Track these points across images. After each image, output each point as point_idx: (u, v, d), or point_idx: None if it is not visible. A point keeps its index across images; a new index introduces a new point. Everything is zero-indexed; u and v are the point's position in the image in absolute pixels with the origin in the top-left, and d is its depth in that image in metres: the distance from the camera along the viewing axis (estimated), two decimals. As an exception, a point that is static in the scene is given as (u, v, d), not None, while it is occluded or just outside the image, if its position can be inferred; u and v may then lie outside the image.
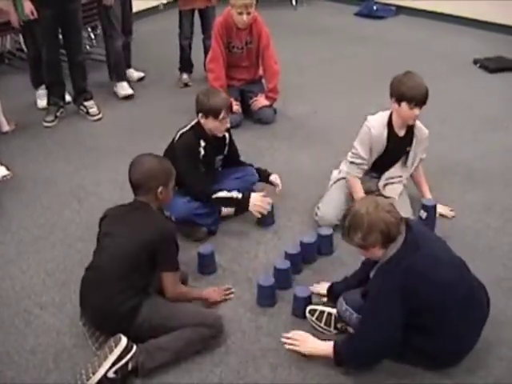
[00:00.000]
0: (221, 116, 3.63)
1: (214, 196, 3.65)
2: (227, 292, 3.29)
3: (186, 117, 3.89)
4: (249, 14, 4.80)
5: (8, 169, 4.42)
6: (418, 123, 3.73)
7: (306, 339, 2.92)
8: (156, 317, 2.86)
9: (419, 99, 3.49)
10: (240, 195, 3.68)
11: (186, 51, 5.86)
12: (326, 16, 8.03)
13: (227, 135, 3.92)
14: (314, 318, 3.05)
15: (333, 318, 3.01)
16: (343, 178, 3.85)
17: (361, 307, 2.83)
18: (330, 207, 3.76)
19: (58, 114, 5.25)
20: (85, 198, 4.18)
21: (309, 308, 3.08)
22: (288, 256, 3.44)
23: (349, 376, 2.82)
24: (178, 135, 3.74)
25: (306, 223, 3.88)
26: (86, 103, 5.30)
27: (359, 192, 3.71)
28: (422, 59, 6.52)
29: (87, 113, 5.30)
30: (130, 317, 2.83)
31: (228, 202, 3.73)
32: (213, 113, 3.62)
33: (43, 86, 5.33)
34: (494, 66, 6.25)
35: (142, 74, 6.00)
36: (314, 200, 3.98)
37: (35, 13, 4.71)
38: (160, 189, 2.96)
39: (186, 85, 5.85)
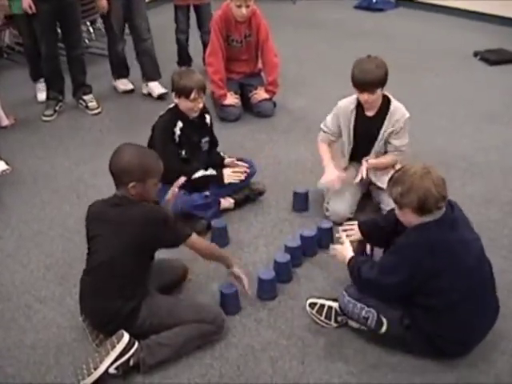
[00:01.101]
0: (192, 96, 3.62)
1: (193, 177, 3.69)
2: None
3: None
4: (248, 6, 4.79)
5: (7, 163, 4.41)
6: (396, 105, 3.68)
7: (341, 250, 3.12)
8: (157, 316, 2.85)
9: (358, 85, 3.56)
10: (214, 172, 3.77)
11: (184, 46, 5.85)
12: (325, 9, 8.02)
13: (208, 117, 3.92)
14: (314, 312, 3.05)
15: (333, 311, 3.01)
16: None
17: (364, 295, 2.85)
18: (340, 201, 3.76)
19: (57, 108, 5.25)
20: (84, 192, 4.18)
21: (309, 301, 3.08)
22: (288, 249, 3.44)
23: (349, 370, 2.83)
24: (157, 119, 3.78)
25: (306, 216, 3.88)
26: (85, 97, 5.30)
27: (325, 154, 3.89)
28: (421, 52, 6.52)
29: (86, 107, 5.29)
30: (131, 319, 2.81)
31: (205, 180, 3.75)
32: (184, 92, 3.63)
33: (42, 79, 5.33)
34: (494, 58, 6.25)
35: (163, 90, 5.48)
36: (313, 193, 3.97)
37: (33, 7, 4.70)
38: (131, 184, 2.77)
39: None
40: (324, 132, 3.92)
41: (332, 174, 3.78)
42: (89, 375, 2.67)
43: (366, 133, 3.74)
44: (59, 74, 5.18)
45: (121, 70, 5.61)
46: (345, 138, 3.83)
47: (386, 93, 3.68)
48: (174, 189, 3.29)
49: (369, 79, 3.50)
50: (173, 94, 3.72)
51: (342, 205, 3.75)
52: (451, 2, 7.62)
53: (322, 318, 3.03)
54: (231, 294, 3.12)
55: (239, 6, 4.78)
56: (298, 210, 3.92)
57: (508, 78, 5.92)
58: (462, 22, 7.40)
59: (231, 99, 5.08)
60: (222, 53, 4.99)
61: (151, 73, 5.54)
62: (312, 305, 3.07)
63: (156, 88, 5.51)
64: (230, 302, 3.14)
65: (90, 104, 5.28)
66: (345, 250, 3.10)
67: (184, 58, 5.93)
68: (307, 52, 6.58)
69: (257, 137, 4.85)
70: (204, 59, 5.41)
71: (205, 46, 5.61)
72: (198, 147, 3.87)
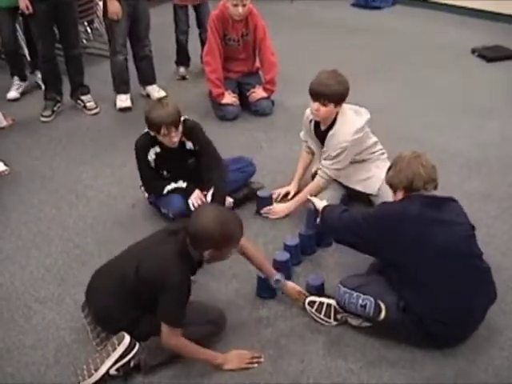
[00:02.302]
0: (162, 131, 3.49)
1: (165, 191, 3.70)
2: (253, 360, 2.87)
3: (183, 110, 3.86)
4: (244, 5, 4.78)
5: (6, 164, 4.41)
6: (338, 129, 3.61)
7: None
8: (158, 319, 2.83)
9: (312, 93, 3.57)
10: (185, 185, 3.71)
11: (184, 46, 5.85)
12: (322, 7, 8.02)
13: (189, 144, 3.73)
14: (313, 310, 3.06)
15: (332, 308, 3.02)
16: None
17: (359, 285, 2.90)
18: (322, 198, 3.73)
19: (56, 108, 5.24)
20: (83, 192, 4.18)
21: (308, 300, 3.08)
22: (287, 248, 3.44)
23: (348, 368, 2.83)
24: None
25: (305, 215, 3.87)
26: (83, 97, 5.29)
27: (299, 166, 4.04)
28: (419, 49, 6.52)
29: (84, 107, 5.29)
30: (133, 324, 2.82)
31: (177, 191, 3.72)
32: (153, 128, 3.53)
33: (16, 78, 5.45)
34: (491, 55, 6.25)
35: (162, 94, 5.36)
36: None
37: (30, 7, 4.69)
38: (208, 252, 2.70)
39: (184, 78, 5.87)
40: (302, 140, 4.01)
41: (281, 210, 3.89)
42: (89, 376, 2.68)
43: (319, 142, 3.79)
44: (57, 74, 5.17)
45: (118, 83, 5.38)
46: (312, 146, 3.90)
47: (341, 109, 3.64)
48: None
49: (324, 91, 3.51)
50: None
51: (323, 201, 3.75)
52: (448, 0, 7.63)
53: (322, 316, 3.04)
54: (284, 261, 3.28)
55: (235, 5, 4.77)
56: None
57: (505, 74, 5.92)
58: (459, 19, 7.40)
59: (229, 98, 5.09)
60: (220, 52, 4.99)
61: (148, 77, 5.50)
62: (311, 303, 3.07)
63: (154, 91, 5.46)
64: (266, 287, 3.21)
65: (88, 104, 5.28)
66: (321, 202, 3.30)
67: (183, 58, 5.93)
68: (305, 50, 6.57)
69: (255, 135, 4.85)
70: (202, 57, 5.41)
71: (203, 44, 5.61)
72: (184, 168, 3.78)
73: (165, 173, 3.75)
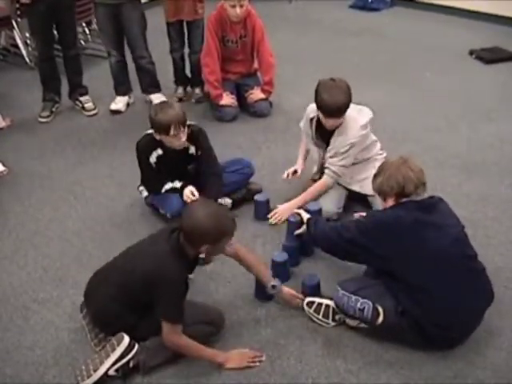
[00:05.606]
0: (171, 132, 3.46)
1: (163, 190, 3.70)
2: (255, 359, 2.88)
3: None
4: (242, 6, 4.78)
5: (4, 165, 4.41)
6: (347, 125, 3.62)
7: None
8: (157, 321, 2.79)
9: (329, 113, 3.52)
10: (179, 184, 3.69)
11: (179, 65, 5.55)
12: (320, 8, 8.03)
13: (192, 148, 3.73)
14: (311, 311, 3.06)
15: (330, 310, 3.02)
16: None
17: (358, 288, 2.89)
18: (328, 200, 3.77)
19: (54, 109, 5.23)
20: (81, 193, 4.18)
21: (306, 300, 3.09)
22: (285, 248, 3.44)
23: (347, 368, 2.83)
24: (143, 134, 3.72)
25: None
26: (81, 98, 5.29)
27: (301, 148, 4.05)
28: (417, 51, 6.53)
29: (83, 108, 5.28)
30: (132, 327, 2.81)
31: (173, 191, 3.71)
32: (162, 129, 3.48)
33: None
34: (489, 56, 6.26)
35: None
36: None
37: None
38: (204, 247, 2.69)
39: (181, 99, 5.45)
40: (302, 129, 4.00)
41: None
42: (88, 377, 2.68)
43: (322, 142, 3.78)
44: (56, 75, 5.16)
45: (115, 84, 5.36)
46: (310, 145, 3.89)
47: None
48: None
49: (336, 108, 3.48)
50: (152, 130, 3.57)
51: (330, 203, 3.76)
52: (446, 1, 7.63)
53: (320, 317, 3.04)
54: (282, 262, 3.30)
55: (233, 6, 4.77)
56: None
57: (503, 76, 5.94)
58: (458, 21, 7.42)
59: (227, 99, 5.09)
60: (218, 53, 4.99)
61: (149, 87, 5.38)
62: (309, 304, 3.07)
63: (155, 98, 5.31)
64: (281, 270, 3.29)
65: (86, 105, 5.27)
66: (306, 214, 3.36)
67: (180, 78, 5.63)
68: (303, 51, 6.59)
69: (253, 137, 4.85)
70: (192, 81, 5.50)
71: (192, 65, 5.46)
72: (184, 173, 3.77)
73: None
